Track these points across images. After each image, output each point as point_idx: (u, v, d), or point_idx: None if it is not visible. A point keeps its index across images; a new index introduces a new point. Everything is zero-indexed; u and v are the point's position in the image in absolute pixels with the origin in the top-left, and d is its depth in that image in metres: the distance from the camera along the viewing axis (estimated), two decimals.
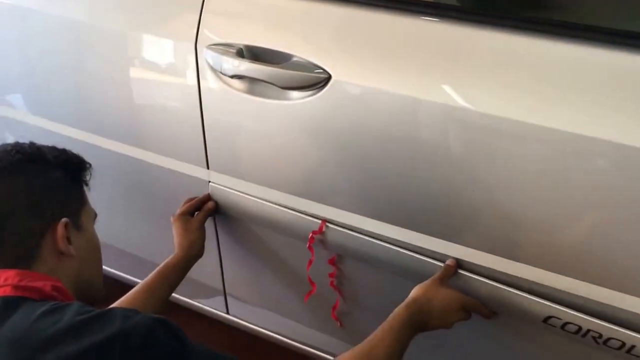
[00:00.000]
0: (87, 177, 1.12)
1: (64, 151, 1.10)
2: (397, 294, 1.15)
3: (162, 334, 0.85)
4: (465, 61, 1.05)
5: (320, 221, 1.28)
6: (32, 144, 1.07)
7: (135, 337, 0.83)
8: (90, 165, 1.13)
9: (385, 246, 1.22)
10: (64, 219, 1.00)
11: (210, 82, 1.30)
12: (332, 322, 1.47)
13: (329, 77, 1.15)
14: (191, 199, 1.45)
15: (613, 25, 0.94)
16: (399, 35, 1.12)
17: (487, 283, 1.13)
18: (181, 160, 1.44)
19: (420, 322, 1.09)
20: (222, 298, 1.68)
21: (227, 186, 1.40)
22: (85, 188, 1.12)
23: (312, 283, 1.39)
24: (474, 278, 1.14)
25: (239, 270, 1.58)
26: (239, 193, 1.38)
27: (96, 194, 1.16)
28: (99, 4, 1.44)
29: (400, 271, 1.23)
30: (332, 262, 1.35)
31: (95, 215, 1.13)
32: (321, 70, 1.15)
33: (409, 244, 1.20)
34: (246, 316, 1.70)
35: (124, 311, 0.87)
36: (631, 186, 0.93)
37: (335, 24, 1.19)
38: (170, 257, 1.35)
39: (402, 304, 1.10)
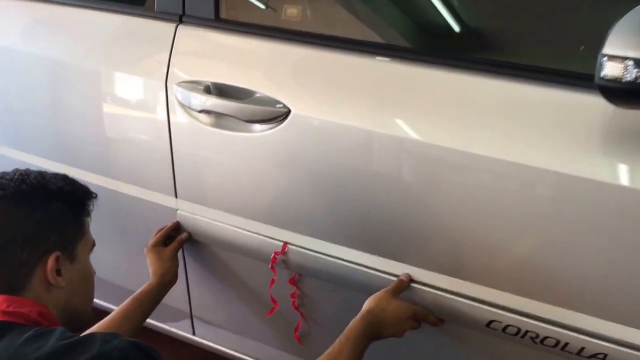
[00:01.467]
0: (91, 208, 1.17)
1: (70, 182, 1.15)
2: (355, 311, 1.25)
3: (140, 356, 0.93)
4: (412, 97, 1.19)
5: (282, 243, 1.38)
6: (39, 173, 1.11)
7: (113, 356, 0.90)
8: (95, 195, 1.18)
9: (341, 264, 1.33)
10: (55, 253, 1.05)
11: (179, 116, 1.41)
12: (295, 341, 1.57)
13: (289, 111, 1.27)
14: (161, 229, 1.54)
15: (549, 64, 1.08)
16: (352, 73, 1.25)
17: (434, 293, 1.24)
18: (151, 189, 1.53)
19: (374, 331, 1.20)
20: (189, 320, 1.76)
21: (194, 213, 1.50)
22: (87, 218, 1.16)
23: (274, 301, 1.49)
24: (423, 289, 1.26)
25: (205, 292, 1.67)
26: (205, 219, 1.48)
27: None
28: (77, 45, 1.54)
29: (355, 287, 1.34)
30: (292, 281, 1.46)
31: (94, 244, 1.18)
32: (282, 105, 1.27)
33: (363, 264, 1.31)
34: (212, 337, 1.78)
35: (103, 335, 0.95)
36: (562, 210, 1.06)
37: (294, 63, 1.31)
38: (145, 284, 1.43)
39: (357, 316, 1.21)
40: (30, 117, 1.65)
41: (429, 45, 1.31)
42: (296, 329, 1.54)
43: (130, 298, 1.39)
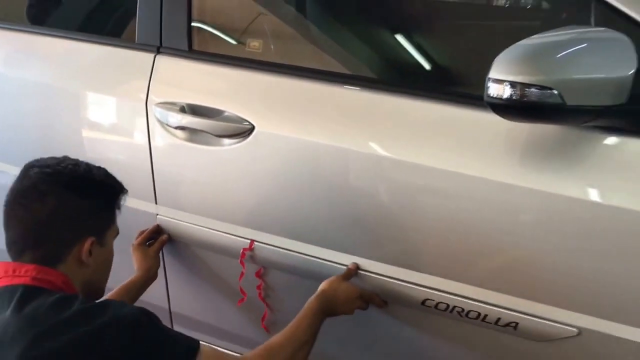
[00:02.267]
0: (122, 201, 1.37)
1: (111, 177, 1.36)
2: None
3: (147, 321, 1.16)
4: (353, 115, 1.43)
5: (249, 240, 1.61)
6: (86, 165, 1.31)
7: (126, 321, 1.12)
8: (127, 191, 1.38)
9: (301, 257, 1.56)
10: (92, 237, 1.26)
11: (157, 132, 1.63)
12: (262, 330, 1.78)
13: (253, 127, 1.50)
14: (143, 231, 1.75)
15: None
16: (304, 96, 1.49)
17: (378, 278, 1.48)
18: (134, 197, 1.74)
19: (328, 309, 1.42)
20: (168, 314, 1.97)
21: (172, 217, 1.71)
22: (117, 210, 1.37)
23: (243, 292, 1.71)
24: (368, 275, 1.49)
25: (182, 288, 1.88)
26: (182, 222, 1.70)
27: None
28: (67, 71, 1.76)
29: (313, 276, 1.56)
30: (258, 275, 1.68)
31: (118, 232, 1.38)
32: (247, 122, 1.51)
33: (319, 257, 1.54)
34: (190, 330, 1.99)
35: (115, 302, 1.18)
36: (476, 205, 1.31)
37: (257, 87, 1.55)
38: (132, 276, 1.64)
39: (313, 296, 1.43)
40: (23, 133, 1.85)
41: (366, 72, 1.56)
42: (263, 318, 1.76)
43: (119, 287, 1.60)
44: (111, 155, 1.76)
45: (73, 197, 1.25)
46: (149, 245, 1.73)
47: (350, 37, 1.69)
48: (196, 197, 1.67)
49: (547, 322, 1.32)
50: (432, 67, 1.55)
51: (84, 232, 1.26)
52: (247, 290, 1.71)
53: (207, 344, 1.25)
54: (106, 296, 1.55)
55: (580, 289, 1.27)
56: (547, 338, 1.34)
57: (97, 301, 1.19)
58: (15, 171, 1.84)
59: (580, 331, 1.29)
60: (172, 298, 1.92)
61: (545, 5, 1.55)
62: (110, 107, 1.72)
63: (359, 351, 1.68)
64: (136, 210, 1.75)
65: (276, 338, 1.35)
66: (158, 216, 1.74)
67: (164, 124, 1.62)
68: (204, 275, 1.80)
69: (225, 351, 1.27)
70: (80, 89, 1.75)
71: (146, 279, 1.65)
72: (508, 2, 1.90)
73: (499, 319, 1.37)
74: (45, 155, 1.78)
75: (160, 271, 1.82)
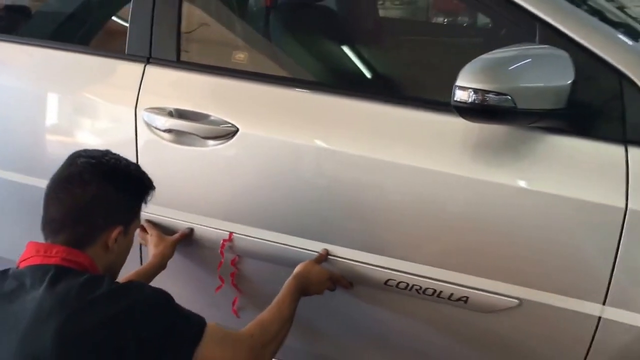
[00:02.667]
0: (149, 197, 1.50)
1: (142, 172, 1.48)
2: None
3: (164, 301, 1.31)
4: (323, 118, 1.65)
5: (229, 232, 1.79)
6: (125, 160, 1.44)
7: (150, 302, 1.28)
8: (155, 188, 1.50)
9: (276, 245, 1.74)
10: (120, 227, 1.39)
11: (146, 135, 1.80)
12: (233, 315, 1.94)
13: (237, 130, 1.69)
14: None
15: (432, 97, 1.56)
16: (282, 101, 1.70)
17: (345, 262, 1.68)
18: None
19: (303, 289, 1.60)
20: None
21: (158, 214, 1.87)
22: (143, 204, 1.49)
23: (221, 279, 1.88)
24: (337, 260, 1.69)
25: (167, 279, 2.01)
26: (167, 218, 1.86)
27: None
28: (64, 79, 1.91)
29: (287, 263, 1.75)
30: (233, 263, 1.85)
31: (139, 224, 1.51)
32: (231, 125, 1.70)
33: (292, 245, 1.73)
34: None
35: (137, 284, 1.33)
36: (434, 197, 1.54)
37: (240, 94, 1.74)
38: (146, 264, 1.76)
39: (290, 277, 1.61)
40: (18, 138, 1.98)
41: (334, 80, 1.78)
42: (233, 303, 1.92)
43: (134, 272, 1.71)
44: None
45: (111, 188, 1.38)
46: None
47: (318, 52, 1.92)
48: (181, 194, 1.83)
49: (492, 295, 1.54)
50: (394, 76, 1.79)
51: (115, 221, 1.39)
52: (225, 278, 1.87)
53: (211, 322, 1.39)
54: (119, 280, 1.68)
55: (518, 264, 1.51)
56: (493, 309, 1.56)
57: (122, 282, 1.34)
58: (5, 175, 2.00)
59: (521, 302, 1.53)
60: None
61: (501, 25, 1.82)
62: (103, 111, 1.88)
63: (329, 329, 1.86)
64: None
65: (265, 314, 1.51)
66: (142, 212, 1.89)
67: (151, 127, 1.79)
68: (188, 266, 1.94)
69: (225, 329, 1.43)
70: (76, 96, 1.90)
71: (160, 266, 1.76)
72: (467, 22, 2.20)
73: (451, 294, 1.59)
74: (40, 157, 1.95)
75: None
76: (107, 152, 1.45)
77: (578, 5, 1.58)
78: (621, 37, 1.48)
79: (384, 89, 1.80)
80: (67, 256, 1.31)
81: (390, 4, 3.55)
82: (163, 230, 1.88)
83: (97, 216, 1.37)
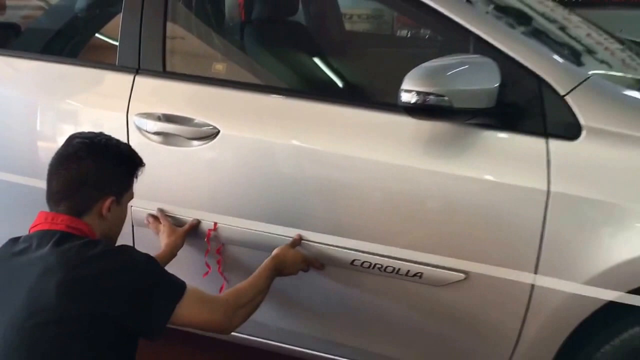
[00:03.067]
0: (139, 173, 1.70)
1: (133, 151, 1.70)
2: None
3: (153, 264, 1.55)
4: (294, 119, 1.90)
5: (213, 222, 2.02)
6: (116, 140, 1.65)
7: (140, 262, 1.52)
8: (144, 164, 1.71)
9: (255, 233, 1.97)
10: (112, 197, 1.60)
11: (137, 137, 2.02)
12: None
13: (219, 131, 1.93)
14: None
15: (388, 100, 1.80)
16: (258, 105, 1.94)
17: (316, 245, 1.92)
18: None
19: (278, 269, 1.82)
20: None
21: (144, 207, 2.08)
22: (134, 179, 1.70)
23: (208, 266, 2.10)
24: (308, 244, 1.93)
25: None
26: (154, 211, 2.08)
27: None
28: (60, 89, 2.13)
29: (264, 248, 1.98)
30: (218, 251, 2.08)
31: (132, 197, 1.72)
32: (213, 127, 1.93)
33: (269, 232, 1.97)
34: None
35: (130, 247, 1.57)
36: (382, 186, 1.79)
37: (220, 99, 1.98)
38: (160, 251, 1.93)
39: (268, 258, 1.83)
40: (18, 142, 2.20)
41: (304, 87, 2.03)
42: (220, 289, 2.15)
43: None
44: None
45: (103, 163, 1.61)
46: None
47: (289, 62, 2.17)
48: (168, 189, 2.06)
49: (443, 270, 1.78)
50: (356, 82, 2.04)
51: (107, 192, 1.61)
52: (212, 266, 2.10)
53: (191, 286, 1.61)
54: None
55: (463, 241, 1.75)
56: (444, 283, 1.80)
57: (118, 246, 1.58)
58: (9, 177, 2.21)
59: (467, 275, 1.77)
60: None
61: (440, 37, 2.09)
62: (97, 117, 2.11)
63: (303, 307, 2.10)
64: None
65: (242, 284, 1.74)
66: (132, 208, 2.11)
67: (142, 130, 2.01)
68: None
69: (204, 292, 1.64)
70: (72, 104, 2.12)
71: (170, 255, 1.95)
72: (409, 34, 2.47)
73: (408, 271, 1.83)
74: (36, 157, 2.16)
75: None
76: (99, 134, 1.67)
77: (525, 25, 1.85)
78: (540, 47, 1.75)
79: (348, 94, 2.05)
80: (70, 223, 1.55)
81: (357, 18, 3.83)
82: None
83: (91, 188, 1.59)
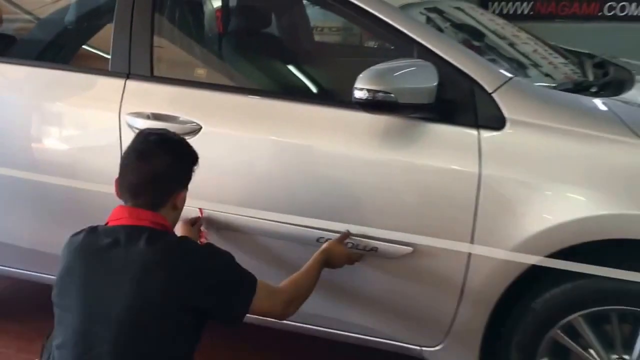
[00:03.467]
0: (195, 167, 1.84)
1: (192, 147, 1.85)
2: (245, 251, 2.18)
3: (235, 261, 1.76)
4: (266, 116, 2.20)
5: (199, 209, 2.29)
6: (182, 138, 1.86)
7: (226, 259, 1.75)
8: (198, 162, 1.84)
9: (234, 216, 2.26)
10: (185, 190, 1.79)
11: (128, 134, 2.29)
12: None
13: (201, 127, 2.21)
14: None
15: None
16: (237, 105, 2.23)
17: (288, 226, 2.20)
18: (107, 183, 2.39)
19: (326, 262, 1.98)
20: None
21: None
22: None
23: None
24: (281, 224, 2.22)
25: None
26: None
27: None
28: (58, 92, 2.41)
29: (246, 230, 2.25)
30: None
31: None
32: (196, 124, 2.22)
33: (245, 215, 2.25)
34: None
35: (215, 246, 1.79)
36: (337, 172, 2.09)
37: (201, 100, 2.27)
38: None
39: (318, 252, 1.98)
40: (21, 140, 2.48)
41: (275, 88, 2.34)
42: None
43: None
44: (94, 151, 2.41)
45: (177, 159, 1.78)
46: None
47: (262, 68, 2.48)
48: None
49: (394, 245, 2.06)
50: (321, 84, 2.34)
51: (181, 185, 1.79)
52: None
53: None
54: None
55: (410, 218, 2.04)
56: (396, 256, 2.09)
57: (206, 244, 1.84)
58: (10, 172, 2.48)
59: (414, 248, 2.05)
60: None
61: (387, 45, 2.40)
62: (93, 116, 2.39)
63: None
64: (106, 193, 2.38)
65: (297, 277, 1.91)
66: None
67: (132, 128, 2.29)
68: None
69: (267, 283, 1.81)
70: (71, 105, 2.41)
71: None
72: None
73: (365, 246, 2.10)
74: (50, 152, 2.43)
75: None
76: (168, 131, 1.86)
77: (479, 41, 2.17)
78: (472, 53, 2.08)
79: (314, 94, 2.35)
80: (153, 219, 1.70)
81: (328, 30, 4.15)
82: None
83: (170, 182, 1.75)
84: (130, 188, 1.73)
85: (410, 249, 2.06)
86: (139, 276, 1.61)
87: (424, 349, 2.20)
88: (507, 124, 1.92)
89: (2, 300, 3.28)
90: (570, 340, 1.97)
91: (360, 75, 1.89)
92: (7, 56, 2.72)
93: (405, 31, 2.05)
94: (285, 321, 2.02)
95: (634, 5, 4.45)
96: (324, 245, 2.03)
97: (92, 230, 1.73)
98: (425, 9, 2.59)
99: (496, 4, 4.80)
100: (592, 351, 1.95)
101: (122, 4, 2.36)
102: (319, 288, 2.22)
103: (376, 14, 2.09)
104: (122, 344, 1.60)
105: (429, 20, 2.49)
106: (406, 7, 2.47)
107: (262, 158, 2.20)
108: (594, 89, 2.22)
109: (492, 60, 2.28)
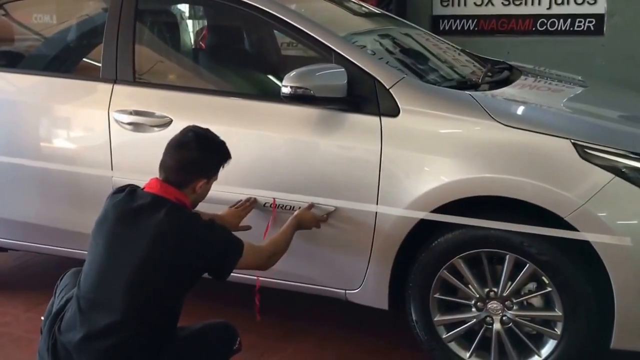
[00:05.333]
0: (226, 164, 2.27)
1: (225, 148, 2.26)
2: None
3: (228, 231, 2.24)
4: (224, 112, 2.81)
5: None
6: (217, 138, 2.26)
7: (224, 229, 2.21)
8: (231, 157, 2.26)
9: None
10: (204, 179, 2.20)
11: (115, 127, 2.90)
12: None
13: (172, 120, 2.82)
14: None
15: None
16: (203, 103, 2.84)
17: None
18: (97, 167, 2.98)
19: (298, 225, 2.47)
20: None
21: (122, 177, 2.93)
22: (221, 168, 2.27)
23: None
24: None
25: None
26: (128, 179, 2.95)
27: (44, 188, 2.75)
28: (56, 96, 3.05)
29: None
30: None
31: (216, 179, 2.28)
32: (169, 118, 2.83)
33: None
34: None
35: (216, 223, 2.22)
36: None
37: (174, 99, 2.88)
38: (217, 215, 2.56)
39: (291, 217, 2.48)
40: (22, 136, 3.11)
41: (235, 89, 2.95)
42: None
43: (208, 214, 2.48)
44: (85, 141, 3.04)
45: (206, 154, 2.21)
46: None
47: (224, 73, 3.11)
48: (137, 164, 2.91)
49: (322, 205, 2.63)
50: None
51: (203, 175, 2.22)
52: None
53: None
54: None
55: (333, 186, 2.61)
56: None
57: (194, 212, 2.26)
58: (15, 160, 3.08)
59: (336, 208, 2.61)
60: None
61: (311, 53, 2.97)
62: (86, 113, 3.01)
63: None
64: (98, 176, 2.99)
65: (276, 237, 2.39)
66: (113, 178, 2.96)
67: (119, 122, 2.90)
68: None
69: (252, 243, 2.24)
70: (69, 106, 3.05)
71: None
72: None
73: (300, 207, 2.69)
74: (36, 145, 3.04)
75: None
76: (208, 130, 2.28)
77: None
78: (375, 58, 2.69)
79: (261, 93, 2.97)
80: (177, 196, 2.16)
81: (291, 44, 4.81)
82: None
83: (195, 171, 2.20)
84: (165, 167, 2.20)
85: (333, 207, 2.61)
86: (154, 237, 2.04)
87: (347, 292, 2.76)
88: (401, 113, 2.52)
89: (12, 273, 3.89)
90: (454, 278, 2.54)
91: (286, 76, 2.50)
92: (19, 67, 3.35)
93: (325, 42, 2.67)
94: (242, 274, 2.51)
95: (561, 20, 5.09)
96: (296, 212, 2.53)
97: (132, 192, 2.19)
98: (379, 35, 3.21)
99: (446, 21, 5.42)
100: (470, 287, 2.53)
101: (110, 27, 2.99)
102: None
103: (306, 30, 2.72)
104: (130, 286, 2.03)
105: (380, 45, 3.08)
106: (364, 34, 3.12)
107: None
108: (481, 85, 2.84)
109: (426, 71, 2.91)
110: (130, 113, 2.88)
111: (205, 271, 2.19)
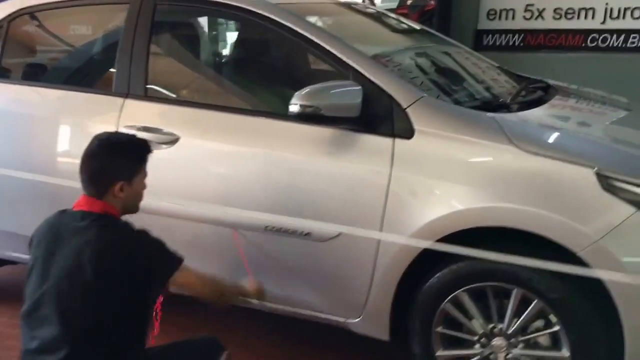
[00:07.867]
0: (147, 158, 2.16)
1: (143, 141, 2.19)
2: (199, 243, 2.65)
3: (161, 242, 2.09)
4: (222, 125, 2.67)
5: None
6: (126, 136, 2.20)
7: (153, 239, 2.06)
8: (152, 150, 2.18)
9: (203, 212, 2.72)
10: (122, 182, 2.07)
11: None
12: None
13: (179, 138, 2.71)
14: None
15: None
16: (210, 120, 2.72)
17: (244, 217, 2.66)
18: None
19: (221, 295, 2.22)
20: None
21: None
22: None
23: None
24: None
25: None
26: None
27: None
28: (69, 109, 2.98)
29: (212, 222, 2.72)
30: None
31: (146, 175, 2.17)
32: (175, 135, 2.71)
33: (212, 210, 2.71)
34: None
35: (144, 231, 2.09)
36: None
37: (183, 115, 2.77)
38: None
39: (234, 286, 2.30)
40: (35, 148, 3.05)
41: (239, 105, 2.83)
42: None
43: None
44: None
45: (111, 156, 2.11)
46: None
47: (232, 89, 2.98)
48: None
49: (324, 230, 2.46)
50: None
51: (117, 179, 2.09)
52: None
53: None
54: None
55: (336, 211, 2.44)
56: (325, 239, 2.49)
57: (123, 221, 2.12)
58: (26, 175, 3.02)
59: (340, 233, 2.44)
60: None
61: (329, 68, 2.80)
62: (97, 128, 2.90)
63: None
64: None
65: (211, 278, 2.19)
66: None
67: None
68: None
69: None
70: (80, 119, 2.97)
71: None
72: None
73: (303, 232, 2.53)
74: (45, 159, 2.97)
75: None
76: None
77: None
78: (394, 76, 2.50)
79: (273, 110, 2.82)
80: (102, 207, 2.08)
81: None
82: None
83: (106, 178, 2.09)
84: (82, 182, 2.13)
85: (336, 232, 2.45)
86: (82, 250, 1.97)
87: (347, 320, 2.59)
88: (415, 134, 2.34)
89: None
90: (457, 312, 2.36)
91: (296, 94, 2.35)
92: (41, 81, 3.32)
93: (343, 57, 2.51)
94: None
95: (614, 36, 4.78)
96: (239, 290, 2.34)
97: (62, 212, 2.16)
98: (416, 53, 3.06)
99: (490, 36, 5.18)
100: (474, 321, 2.34)
101: (124, 43, 2.92)
102: (270, 270, 2.67)
103: (324, 45, 2.57)
104: (64, 308, 1.97)
105: (416, 64, 2.94)
106: (399, 52, 2.98)
107: (227, 164, 2.70)
108: (513, 106, 2.64)
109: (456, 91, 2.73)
110: (138, 129, 2.78)
111: (141, 279, 2.03)
